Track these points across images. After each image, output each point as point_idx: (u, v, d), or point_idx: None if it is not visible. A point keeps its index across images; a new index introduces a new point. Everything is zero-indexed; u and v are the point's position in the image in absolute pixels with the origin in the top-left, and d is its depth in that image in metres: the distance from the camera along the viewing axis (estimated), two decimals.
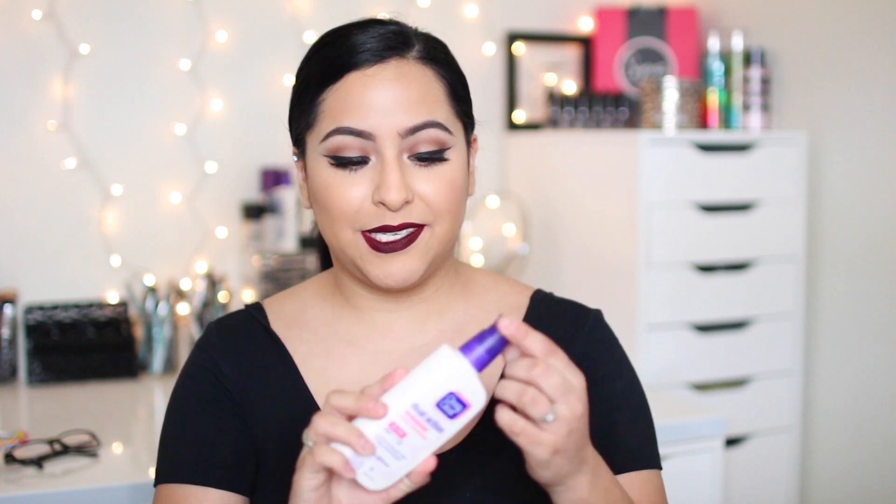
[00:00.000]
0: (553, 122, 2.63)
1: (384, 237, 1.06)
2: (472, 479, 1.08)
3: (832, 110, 2.43)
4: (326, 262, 1.26)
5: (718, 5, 2.73)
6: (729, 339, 2.37)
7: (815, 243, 2.48)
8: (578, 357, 1.14)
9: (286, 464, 1.09)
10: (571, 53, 2.80)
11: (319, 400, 1.12)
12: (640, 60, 2.72)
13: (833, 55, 2.42)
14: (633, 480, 1.11)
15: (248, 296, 2.41)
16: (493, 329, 0.92)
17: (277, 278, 2.36)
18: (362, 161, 1.06)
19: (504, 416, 0.90)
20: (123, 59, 2.38)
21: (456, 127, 1.09)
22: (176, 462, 1.11)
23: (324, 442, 0.92)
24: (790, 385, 2.45)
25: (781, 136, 2.41)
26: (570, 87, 2.76)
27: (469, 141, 1.14)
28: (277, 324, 1.17)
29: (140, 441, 1.86)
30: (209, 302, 2.34)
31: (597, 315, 1.19)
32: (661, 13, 2.70)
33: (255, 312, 1.18)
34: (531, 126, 2.73)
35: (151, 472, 1.55)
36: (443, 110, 1.08)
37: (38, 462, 1.62)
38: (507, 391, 0.90)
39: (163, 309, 2.31)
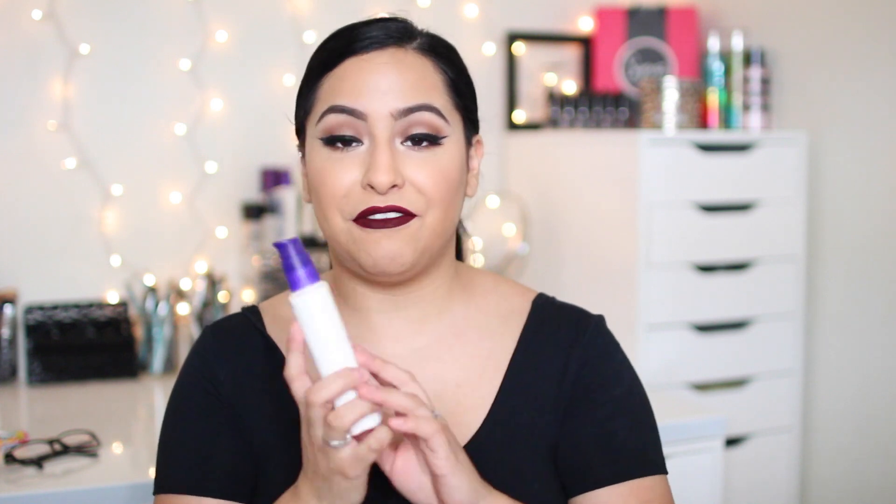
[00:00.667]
0: (553, 122, 2.63)
1: (374, 216, 1.04)
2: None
3: (832, 110, 2.43)
4: None
5: (718, 5, 2.73)
6: (729, 339, 2.37)
7: (815, 243, 2.48)
8: (578, 364, 1.14)
9: (285, 468, 1.08)
10: (571, 53, 2.80)
11: None
12: (640, 60, 2.72)
13: (833, 55, 2.42)
14: (634, 488, 1.09)
15: (248, 296, 2.41)
16: (285, 251, 0.96)
17: (277, 278, 2.36)
18: (354, 140, 1.05)
19: (394, 421, 0.95)
20: (123, 59, 2.38)
21: (453, 118, 1.08)
22: (173, 472, 1.11)
23: (342, 436, 0.94)
24: (790, 385, 2.45)
25: (781, 136, 2.41)
26: (570, 87, 2.76)
27: (469, 138, 1.13)
28: (273, 327, 1.16)
29: (140, 441, 1.86)
30: (209, 302, 2.34)
31: (598, 321, 1.18)
32: (661, 13, 2.70)
33: (251, 316, 1.18)
34: (531, 126, 2.73)
35: (151, 472, 1.55)
36: (439, 98, 1.07)
37: (38, 462, 1.62)
38: (394, 399, 0.95)
39: (163, 309, 2.31)
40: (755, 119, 2.52)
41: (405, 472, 0.99)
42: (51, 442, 1.68)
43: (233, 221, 2.48)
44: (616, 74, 2.72)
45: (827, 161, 2.45)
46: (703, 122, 2.56)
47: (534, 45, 2.75)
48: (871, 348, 2.36)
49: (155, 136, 2.42)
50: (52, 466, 1.63)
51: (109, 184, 2.38)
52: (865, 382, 2.38)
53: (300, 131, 1.13)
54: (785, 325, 2.43)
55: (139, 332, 2.31)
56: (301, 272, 0.95)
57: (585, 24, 2.80)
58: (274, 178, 2.45)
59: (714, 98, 2.56)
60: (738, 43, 2.53)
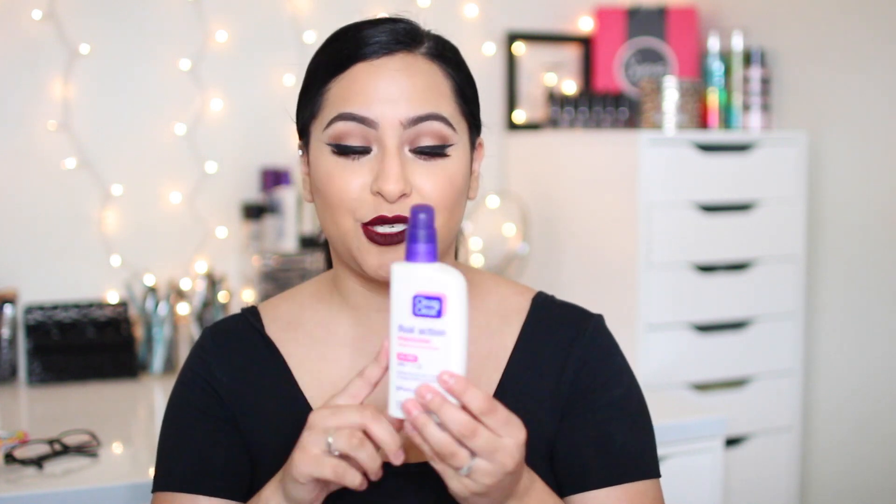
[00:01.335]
0: (553, 122, 2.63)
1: (381, 229, 1.05)
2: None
3: (832, 110, 2.43)
4: (332, 262, 1.26)
5: (718, 5, 2.73)
6: (729, 339, 2.37)
7: (815, 243, 2.48)
8: (577, 363, 1.14)
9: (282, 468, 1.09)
10: (571, 53, 2.80)
11: (314, 404, 1.11)
12: (640, 60, 2.72)
13: (833, 55, 2.42)
14: (628, 492, 1.10)
15: (248, 296, 2.41)
16: (415, 219, 0.92)
17: (277, 278, 2.36)
18: (364, 150, 1.05)
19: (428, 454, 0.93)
20: (123, 59, 2.38)
21: (460, 125, 1.09)
22: (171, 470, 1.12)
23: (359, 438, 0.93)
24: (790, 385, 2.45)
25: (781, 136, 2.41)
26: (570, 87, 2.76)
27: (473, 142, 1.13)
28: (272, 328, 1.17)
29: (140, 441, 1.86)
30: (209, 302, 2.34)
31: (598, 321, 1.18)
32: (661, 13, 2.70)
33: (250, 317, 1.18)
34: (531, 126, 2.73)
35: (151, 472, 1.54)
36: (448, 106, 1.07)
37: (38, 462, 1.62)
38: (432, 439, 0.91)
39: (163, 309, 2.31)
40: (755, 119, 2.52)
41: None
42: (51, 442, 1.68)
43: (233, 221, 2.48)
44: (616, 74, 2.72)
45: (827, 161, 2.45)
46: (703, 122, 2.56)
47: (534, 45, 2.75)
48: (870, 348, 2.36)
49: (155, 136, 2.42)
50: (52, 466, 1.63)
51: (109, 184, 2.38)
52: (865, 382, 2.38)
53: (303, 132, 1.12)
54: (785, 325, 2.43)
55: (139, 332, 2.31)
56: (422, 247, 0.92)
57: (585, 24, 2.80)
58: (274, 178, 2.45)
59: (714, 98, 2.56)
60: (738, 43, 2.53)
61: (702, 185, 2.31)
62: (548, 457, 1.12)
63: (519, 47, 2.73)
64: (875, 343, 2.35)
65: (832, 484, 2.47)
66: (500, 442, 0.91)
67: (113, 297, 2.36)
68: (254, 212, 2.43)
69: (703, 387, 2.36)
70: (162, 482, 1.12)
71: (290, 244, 2.42)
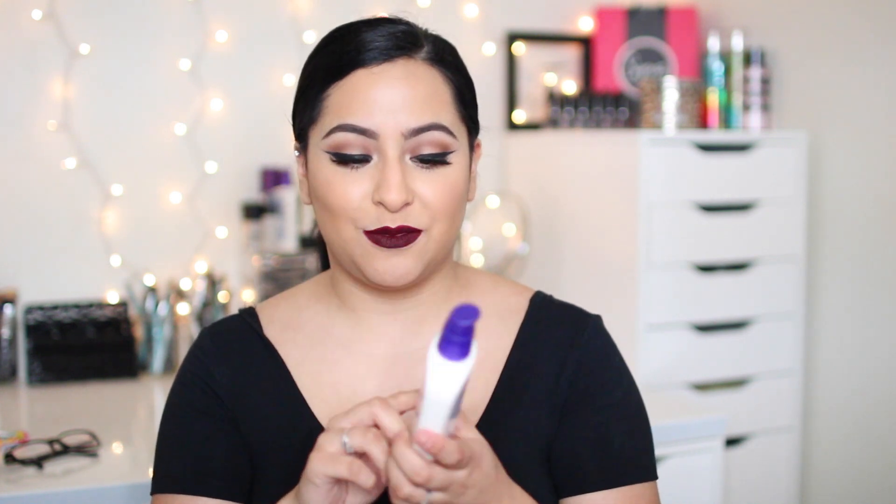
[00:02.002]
0: (553, 122, 2.63)
1: (384, 235, 1.05)
2: None
3: (832, 110, 2.43)
4: (326, 262, 1.26)
5: (718, 5, 2.73)
6: (729, 339, 2.37)
7: (815, 243, 2.48)
8: (575, 364, 1.14)
9: (282, 468, 1.09)
10: (571, 53, 2.80)
11: (313, 404, 1.11)
12: (640, 60, 2.72)
13: (833, 55, 2.42)
14: (626, 494, 1.10)
15: (248, 296, 2.41)
16: (454, 322, 0.90)
17: (277, 278, 2.36)
18: (364, 159, 1.05)
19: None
20: (123, 59, 2.38)
21: (460, 131, 1.08)
22: (170, 472, 1.12)
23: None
24: (790, 385, 2.45)
25: (781, 136, 2.41)
26: (570, 87, 2.76)
27: (472, 145, 1.13)
28: (270, 328, 1.16)
29: (140, 441, 1.86)
30: (209, 302, 2.34)
31: (596, 321, 1.18)
32: (661, 13, 2.70)
33: (248, 318, 1.18)
34: (531, 126, 2.73)
35: (151, 473, 1.54)
36: (448, 113, 1.07)
37: (38, 462, 1.62)
38: (397, 482, 0.92)
39: (163, 309, 2.31)
40: (755, 119, 2.52)
41: None
42: (51, 442, 1.68)
43: (233, 221, 2.48)
44: (616, 74, 2.72)
45: (827, 161, 2.45)
46: (703, 122, 2.56)
47: (534, 45, 2.75)
48: (870, 348, 2.36)
49: (155, 136, 2.42)
50: (52, 466, 1.63)
51: (109, 184, 2.38)
52: (865, 382, 2.38)
53: (301, 135, 1.12)
54: (785, 325, 2.43)
55: (139, 332, 2.32)
56: (457, 350, 0.91)
57: (585, 24, 2.80)
58: (274, 178, 2.45)
59: (714, 98, 2.56)
60: (738, 43, 2.53)
61: (702, 185, 2.31)
62: (544, 457, 1.12)
63: (519, 47, 2.73)
64: (875, 343, 2.35)
65: (832, 484, 2.47)
66: (452, 476, 0.93)
67: (113, 297, 2.36)
68: (254, 212, 2.43)
69: (703, 387, 2.36)
70: (161, 484, 1.12)
71: (290, 244, 2.42)
